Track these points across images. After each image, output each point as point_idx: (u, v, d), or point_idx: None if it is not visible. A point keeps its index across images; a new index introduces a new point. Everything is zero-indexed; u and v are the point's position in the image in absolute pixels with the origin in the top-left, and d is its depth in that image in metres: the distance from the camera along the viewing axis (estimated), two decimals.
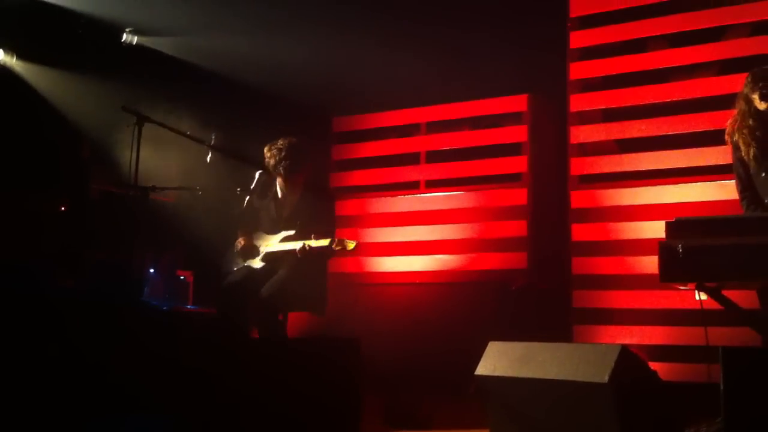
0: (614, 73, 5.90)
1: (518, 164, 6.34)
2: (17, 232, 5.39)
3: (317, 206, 5.28)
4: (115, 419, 4.46)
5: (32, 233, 5.50)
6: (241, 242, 5.30)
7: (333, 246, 4.96)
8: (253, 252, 5.29)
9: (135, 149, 5.13)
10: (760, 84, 4.40)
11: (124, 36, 6.90)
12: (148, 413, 4.43)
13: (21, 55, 6.71)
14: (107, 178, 6.10)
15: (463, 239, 6.40)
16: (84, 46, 6.58)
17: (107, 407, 4.51)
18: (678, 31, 5.71)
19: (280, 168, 5.26)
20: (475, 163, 6.50)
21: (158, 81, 6.52)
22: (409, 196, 6.72)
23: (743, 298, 4.21)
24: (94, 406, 4.51)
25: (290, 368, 4.25)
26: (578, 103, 6.00)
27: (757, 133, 4.37)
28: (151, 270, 6.09)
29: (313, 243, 4.98)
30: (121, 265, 5.18)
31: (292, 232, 5.18)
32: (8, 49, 6.68)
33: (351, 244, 4.98)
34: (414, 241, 6.59)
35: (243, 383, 4.20)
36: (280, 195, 5.39)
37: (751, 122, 4.42)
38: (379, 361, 5.12)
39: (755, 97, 4.42)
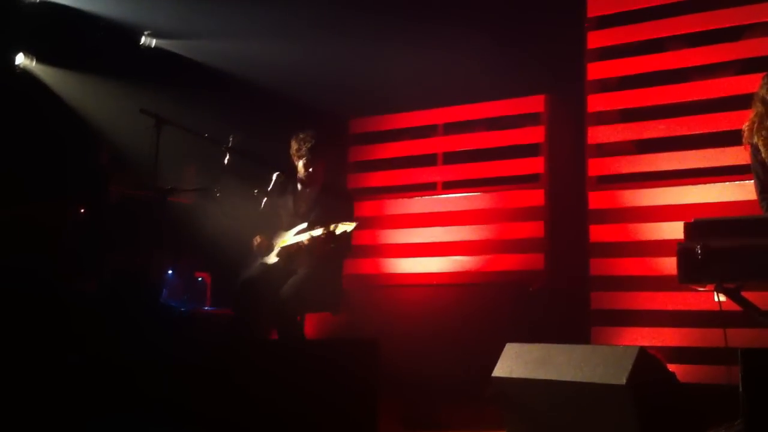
0: (632, 74, 5.87)
1: (535, 165, 6.32)
2: (36, 237, 5.44)
3: (335, 203, 5.29)
4: (126, 417, 4.49)
5: (52, 238, 5.54)
6: (257, 240, 5.34)
7: (334, 230, 4.94)
8: (269, 249, 5.32)
9: (154, 152, 5.15)
10: None
11: (143, 39, 6.94)
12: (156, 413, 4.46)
13: (40, 59, 6.77)
14: (126, 180, 6.14)
15: (480, 240, 6.39)
16: (103, 49, 6.63)
17: (122, 407, 4.55)
18: (696, 30, 5.67)
19: (305, 151, 5.29)
20: (493, 164, 6.49)
21: (176, 84, 6.55)
22: (426, 197, 6.72)
23: (763, 299, 4.19)
24: (108, 405, 4.55)
25: (307, 370, 4.28)
26: (596, 103, 5.97)
27: None
28: (170, 272, 6.13)
29: (315, 232, 5.00)
30: (139, 268, 5.21)
31: (304, 226, 5.20)
32: (28, 53, 6.73)
33: (349, 225, 4.95)
34: (431, 242, 6.58)
35: (260, 385, 4.23)
36: (299, 189, 5.41)
37: None
38: (396, 363, 5.11)
39: None
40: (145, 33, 6.94)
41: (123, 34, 6.82)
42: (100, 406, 4.56)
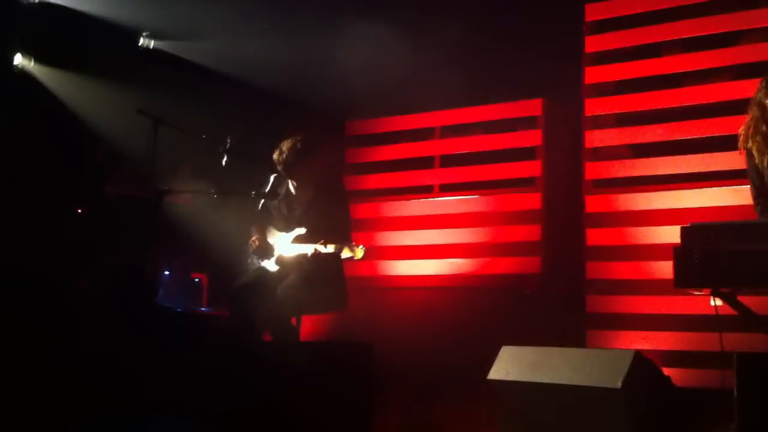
0: (629, 78, 5.88)
1: (532, 168, 6.32)
2: (33, 234, 5.44)
3: (330, 206, 5.28)
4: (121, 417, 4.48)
5: (47, 236, 5.54)
6: (255, 242, 5.32)
7: (341, 254, 4.95)
8: (267, 251, 5.30)
9: (151, 152, 5.15)
10: None
11: (141, 39, 6.94)
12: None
13: (38, 59, 6.77)
14: (123, 181, 6.14)
15: (476, 243, 6.39)
16: (101, 49, 6.63)
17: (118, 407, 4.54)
18: (693, 35, 5.69)
19: (281, 168, 5.29)
20: (489, 168, 6.50)
21: (174, 84, 6.55)
22: (423, 199, 6.72)
23: (758, 303, 4.20)
24: (105, 405, 4.55)
25: (303, 372, 4.28)
26: (593, 107, 5.99)
27: None
28: (166, 272, 6.12)
29: (323, 249, 4.98)
30: (135, 268, 5.20)
31: (303, 230, 5.19)
32: (26, 53, 6.73)
33: (359, 253, 4.94)
34: (427, 244, 6.58)
35: (256, 386, 4.23)
36: (292, 193, 5.41)
37: (764, 129, 4.39)
38: (391, 365, 5.12)
39: None
40: (144, 34, 6.94)
41: (121, 35, 6.82)
42: (97, 404, 4.55)
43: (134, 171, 5.95)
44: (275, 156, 5.33)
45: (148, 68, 6.70)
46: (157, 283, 5.88)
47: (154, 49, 6.96)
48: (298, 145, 5.29)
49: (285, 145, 5.32)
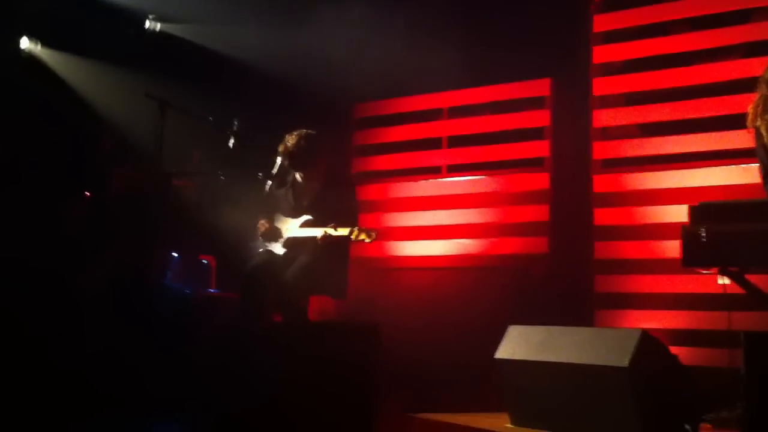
0: (637, 57, 5.85)
1: (540, 149, 6.30)
2: (40, 221, 5.45)
3: (338, 196, 5.29)
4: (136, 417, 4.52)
5: (54, 222, 5.56)
6: (264, 224, 5.35)
7: (352, 237, 4.96)
8: (275, 235, 5.33)
9: (158, 136, 5.16)
10: None
11: (148, 23, 6.93)
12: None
13: (45, 43, 6.77)
14: (130, 164, 6.15)
15: (484, 224, 6.39)
16: (107, 32, 6.63)
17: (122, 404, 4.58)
18: (701, 14, 5.64)
19: (286, 162, 5.30)
20: (497, 148, 6.48)
21: (181, 67, 6.55)
22: (431, 180, 6.71)
23: (767, 282, 4.19)
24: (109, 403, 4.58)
25: (310, 353, 4.30)
26: (601, 87, 5.96)
27: None
28: (174, 254, 6.14)
29: (334, 232, 4.99)
30: (143, 254, 5.23)
31: (310, 218, 5.21)
32: (32, 37, 6.74)
33: (371, 237, 4.96)
34: (436, 225, 6.59)
35: (264, 366, 4.25)
36: (299, 183, 5.42)
37: None
38: (399, 345, 5.14)
39: None
40: (150, 17, 6.93)
41: (128, 18, 6.82)
42: (101, 402, 4.59)
43: (142, 155, 5.97)
44: (281, 149, 5.34)
45: (155, 51, 6.69)
46: (165, 265, 5.91)
47: (160, 32, 6.95)
48: (303, 141, 5.30)
49: (290, 140, 5.32)
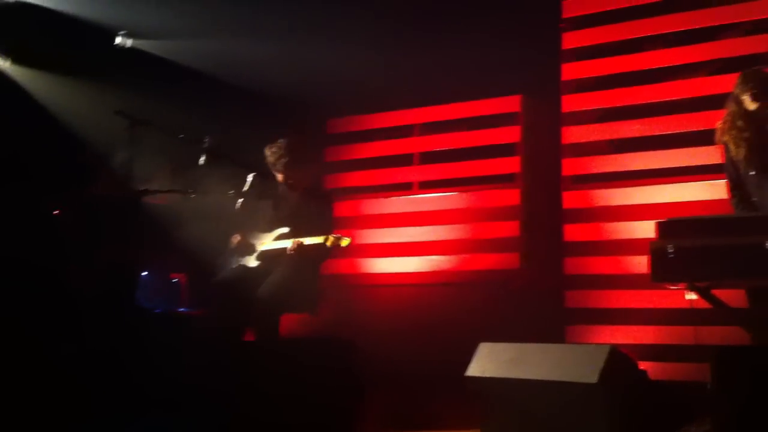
0: (607, 74, 5.92)
1: (511, 165, 6.34)
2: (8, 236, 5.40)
3: (316, 207, 5.31)
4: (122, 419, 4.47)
5: (25, 238, 5.51)
6: (237, 239, 5.34)
7: (326, 243, 4.97)
8: (248, 250, 5.32)
9: (128, 153, 5.13)
10: (751, 84, 4.44)
11: (119, 39, 6.89)
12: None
13: (15, 60, 6.71)
14: (101, 181, 6.10)
15: (456, 240, 6.41)
16: (79, 49, 6.58)
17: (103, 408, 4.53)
18: (670, 31, 5.71)
19: (280, 166, 5.33)
20: (469, 164, 6.52)
21: (152, 84, 6.52)
22: (403, 197, 6.73)
23: (733, 297, 4.24)
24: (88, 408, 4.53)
25: (284, 370, 4.27)
26: (570, 103, 6.01)
27: (746, 134, 4.40)
28: (145, 273, 6.10)
29: (306, 240, 5.01)
30: (114, 268, 5.19)
31: (286, 230, 5.21)
32: (3, 53, 6.68)
33: (345, 241, 4.99)
34: (407, 242, 6.60)
35: (236, 385, 4.22)
36: (280, 195, 5.42)
37: (740, 123, 4.45)
38: (372, 362, 5.12)
39: (746, 97, 4.46)
40: (121, 33, 6.89)
41: (98, 35, 6.77)
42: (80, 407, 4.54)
43: (113, 172, 5.92)
44: (269, 157, 5.37)
45: (126, 68, 6.66)
46: (135, 284, 5.86)
47: (131, 48, 6.91)
48: (293, 147, 5.34)
49: (279, 147, 5.35)
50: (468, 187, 6.48)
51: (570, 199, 5.89)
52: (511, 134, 6.39)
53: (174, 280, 6.31)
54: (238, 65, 6.73)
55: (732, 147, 4.51)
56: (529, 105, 6.38)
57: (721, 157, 4.67)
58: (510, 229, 6.21)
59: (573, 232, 5.84)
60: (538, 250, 6.11)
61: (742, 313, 4.28)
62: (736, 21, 5.51)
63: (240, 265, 5.31)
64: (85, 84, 6.64)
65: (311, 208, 5.29)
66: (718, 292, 4.14)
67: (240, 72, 6.74)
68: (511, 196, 6.26)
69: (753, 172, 4.37)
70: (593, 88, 5.97)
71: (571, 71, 6.04)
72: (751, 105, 4.44)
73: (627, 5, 5.88)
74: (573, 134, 5.97)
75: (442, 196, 6.56)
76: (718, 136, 4.61)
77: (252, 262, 5.28)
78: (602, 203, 5.76)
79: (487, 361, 4.23)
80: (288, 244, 5.11)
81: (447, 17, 6.31)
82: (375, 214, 6.81)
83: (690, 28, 5.64)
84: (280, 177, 5.41)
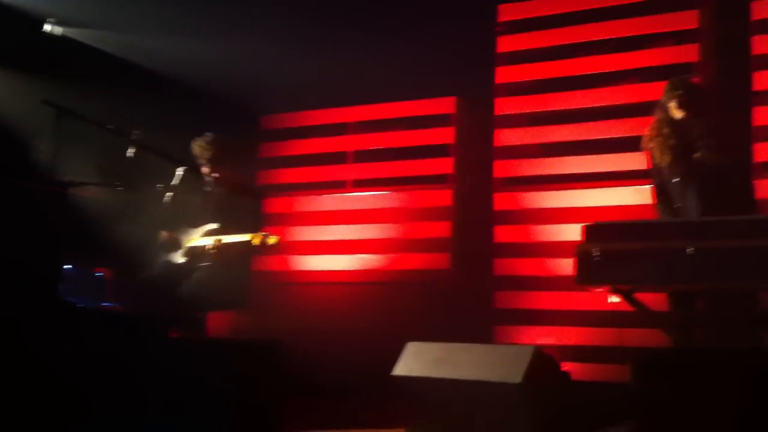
0: (539, 78, 5.99)
1: (445, 166, 6.38)
2: None
3: (243, 202, 5.26)
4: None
5: None
6: (163, 237, 5.25)
7: (253, 241, 4.92)
8: (175, 246, 5.24)
9: (54, 143, 4.99)
10: (677, 93, 4.56)
11: (48, 26, 6.71)
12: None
13: None
14: (24, 173, 5.93)
15: (388, 239, 6.42)
16: (4, 35, 6.39)
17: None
18: (602, 38, 5.82)
19: (205, 160, 5.27)
20: (402, 164, 6.53)
21: (81, 74, 6.36)
22: (336, 195, 6.71)
23: (655, 300, 4.34)
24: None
25: (208, 369, 4.22)
26: (503, 106, 6.08)
27: (671, 142, 4.52)
28: (68, 266, 5.95)
29: (227, 238, 4.95)
30: (35, 262, 5.04)
31: (215, 226, 5.15)
32: None
33: (272, 239, 4.95)
34: (340, 240, 6.58)
35: (158, 384, 4.14)
36: (207, 189, 5.36)
37: (666, 130, 4.57)
38: (302, 361, 5.10)
39: (672, 105, 4.58)
40: (50, 20, 6.71)
41: (26, 21, 6.59)
42: None
43: (37, 163, 5.76)
44: (196, 150, 5.31)
45: (55, 56, 6.49)
46: (58, 277, 5.70)
47: (61, 36, 6.74)
48: (220, 142, 5.29)
49: (207, 141, 5.30)
50: (401, 186, 6.49)
51: (501, 201, 5.95)
52: (444, 135, 6.43)
53: (98, 275, 6.17)
54: (172, 58, 6.62)
55: (657, 154, 4.62)
56: (464, 107, 6.43)
57: (647, 163, 4.77)
58: (442, 229, 6.25)
59: (503, 234, 5.90)
60: (469, 250, 6.16)
61: (662, 316, 4.38)
62: (664, 31, 5.64)
63: (167, 261, 5.22)
64: (10, 71, 6.45)
65: (239, 203, 5.23)
66: (640, 296, 4.23)
67: (174, 65, 6.63)
68: (444, 197, 6.30)
69: (677, 179, 4.49)
70: (526, 92, 6.05)
71: (504, 74, 6.10)
72: (677, 113, 4.56)
73: (561, 12, 5.96)
74: (505, 137, 6.04)
75: (375, 195, 6.56)
76: (644, 142, 4.72)
77: (179, 258, 5.20)
78: (532, 206, 5.84)
79: (414, 361, 4.25)
80: (214, 240, 5.04)
81: (384, 18, 6.31)
82: (308, 212, 6.77)
83: (620, 36, 5.74)
84: (206, 171, 5.35)
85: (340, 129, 6.85)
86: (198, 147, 5.34)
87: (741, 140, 5.07)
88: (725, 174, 4.44)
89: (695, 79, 5.09)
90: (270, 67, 6.49)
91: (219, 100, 6.56)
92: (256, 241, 4.93)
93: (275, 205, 6.79)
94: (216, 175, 5.34)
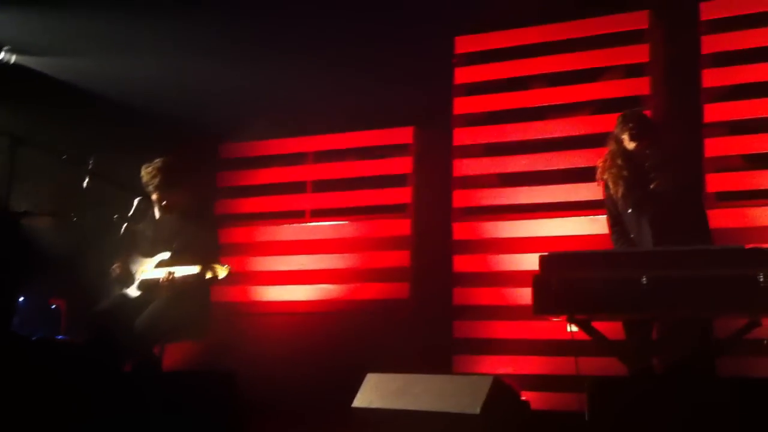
0: (496, 109, 6.07)
1: (403, 195, 6.41)
2: None
3: (197, 229, 5.18)
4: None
5: None
6: (117, 269, 5.16)
7: (204, 273, 4.85)
8: (129, 279, 5.15)
9: (7, 172, 4.92)
10: (630, 125, 4.64)
11: (1, 54, 6.64)
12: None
13: None
14: None
15: (347, 269, 6.41)
16: None
17: None
18: (557, 71, 5.91)
19: (152, 187, 5.19)
20: (361, 194, 6.54)
21: (36, 102, 6.30)
22: (295, 225, 6.69)
23: (611, 329, 4.38)
24: None
25: (163, 403, 4.16)
26: (461, 137, 6.14)
27: (625, 173, 4.58)
28: (22, 298, 5.84)
29: (179, 271, 4.87)
30: None
31: (167, 255, 5.07)
32: None
33: (222, 271, 4.87)
34: (298, 270, 6.55)
35: (109, 419, 4.08)
36: (157, 216, 5.28)
37: (620, 162, 4.64)
38: (260, 391, 5.05)
39: (624, 137, 4.66)
40: (4, 48, 6.64)
41: None
42: None
43: None
44: (144, 177, 5.22)
45: (8, 85, 6.41)
46: (11, 310, 5.60)
47: (15, 64, 6.67)
48: (168, 168, 5.20)
49: (155, 167, 5.21)
50: (359, 216, 6.50)
51: (460, 231, 5.99)
52: (403, 165, 6.46)
53: (53, 306, 6.07)
54: (129, 86, 6.58)
55: (611, 185, 4.69)
56: (422, 137, 6.47)
57: (602, 193, 4.84)
58: (400, 258, 6.26)
59: (462, 263, 5.94)
60: (427, 280, 6.18)
61: (619, 344, 4.42)
62: (616, 64, 5.76)
63: (121, 294, 5.13)
64: None
65: (190, 231, 5.15)
66: (597, 324, 4.27)
67: (131, 93, 6.59)
68: (402, 226, 6.32)
69: (630, 210, 4.55)
70: (483, 123, 6.12)
71: (462, 105, 6.17)
72: (629, 144, 4.64)
73: (517, 44, 6.06)
74: (463, 167, 6.09)
75: (334, 225, 6.55)
76: (599, 173, 4.79)
77: (133, 291, 5.10)
78: (490, 235, 5.88)
79: (374, 392, 4.24)
80: (165, 273, 4.96)
81: (344, 48, 6.35)
82: (266, 241, 6.74)
83: (573, 69, 5.85)
84: (155, 197, 5.26)
85: (298, 159, 6.85)
86: (146, 174, 5.23)
87: (693, 171, 5.17)
88: (678, 204, 4.51)
89: (646, 112, 5.19)
90: (229, 96, 6.49)
91: (178, 128, 6.53)
92: (208, 273, 4.86)
93: (234, 234, 6.75)
94: (165, 202, 5.24)
